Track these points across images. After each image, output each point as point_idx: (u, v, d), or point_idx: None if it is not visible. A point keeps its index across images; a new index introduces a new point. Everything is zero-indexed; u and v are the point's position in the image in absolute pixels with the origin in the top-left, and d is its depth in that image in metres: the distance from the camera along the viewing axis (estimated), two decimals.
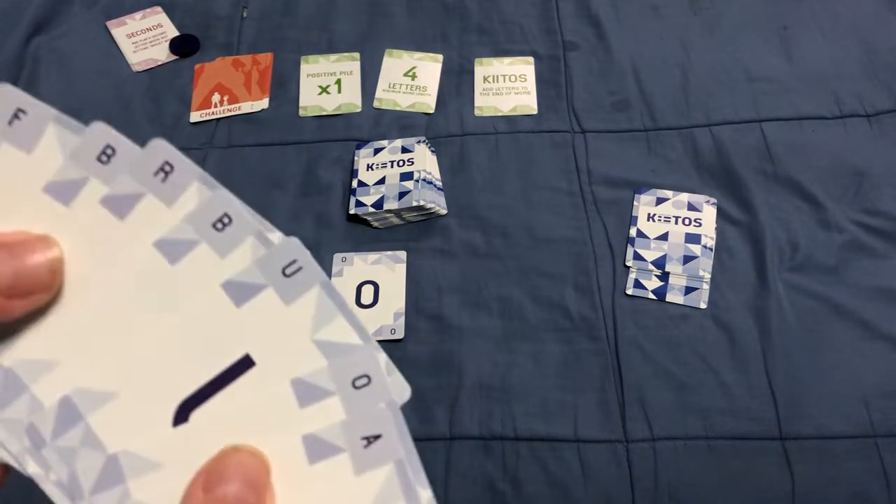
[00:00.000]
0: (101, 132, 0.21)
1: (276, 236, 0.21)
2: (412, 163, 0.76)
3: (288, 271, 0.21)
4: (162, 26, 0.93)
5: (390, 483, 0.20)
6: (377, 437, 0.20)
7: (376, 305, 0.69)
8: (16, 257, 0.19)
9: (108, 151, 0.21)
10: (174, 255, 0.21)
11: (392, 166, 0.76)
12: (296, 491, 0.20)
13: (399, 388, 0.21)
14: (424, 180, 0.74)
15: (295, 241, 0.21)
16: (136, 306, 0.20)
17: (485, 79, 0.86)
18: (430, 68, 0.88)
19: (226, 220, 0.21)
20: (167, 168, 0.21)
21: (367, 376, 0.20)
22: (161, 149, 0.21)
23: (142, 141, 0.21)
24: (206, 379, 0.20)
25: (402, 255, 0.72)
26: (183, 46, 0.90)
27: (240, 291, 0.20)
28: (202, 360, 0.20)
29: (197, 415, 0.20)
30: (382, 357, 0.21)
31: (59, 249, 0.20)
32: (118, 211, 0.21)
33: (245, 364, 0.20)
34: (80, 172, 0.21)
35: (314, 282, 0.21)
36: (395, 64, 0.88)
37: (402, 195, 0.73)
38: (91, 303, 0.20)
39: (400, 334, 0.68)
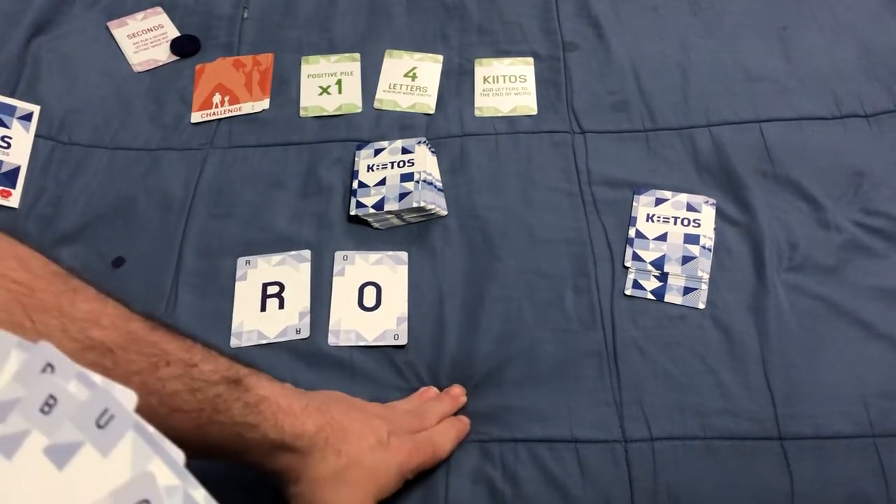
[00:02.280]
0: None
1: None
2: (412, 164, 0.76)
3: (101, 422, 0.21)
4: (163, 27, 0.93)
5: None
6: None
7: (379, 309, 0.69)
8: None
9: None
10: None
11: (392, 167, 0.76)
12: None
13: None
14: (425, 181, 0.74)
15: (107, 390, 0.21)
16: None
17: (485, 79, 0.86)
18: (430, 69, 0.88)
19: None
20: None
21: (146, 501, 0.20)
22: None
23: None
24: None
25: (404, 256, 0.72)
26: (184, 47, 0.90)
27: (60, 453, 0.20)
28: None
29: None
30: (201, 491, 0.21)
31: None
32: None
33: None
34: None
35: (126, 429, 0.21)
36: (395, 64, 0.89)
37: (402, 196, 0.73)
38: None
39: (403, 340, 0.68)
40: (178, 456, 0.22)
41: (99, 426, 0.21)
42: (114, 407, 0.21)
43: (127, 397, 0.22)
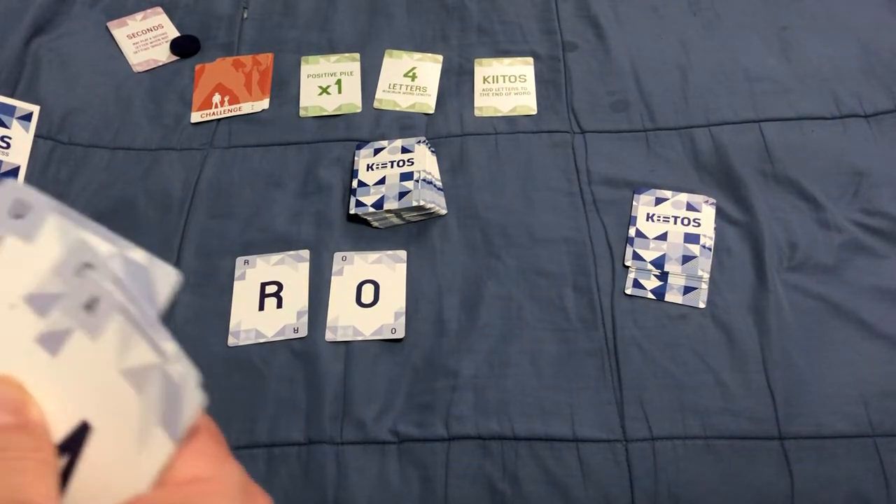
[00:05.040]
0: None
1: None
2: (412, 163, 0.76)
3: (17, 213, 0.21)
4: (162, 27, 0.93)
5: (126, 329, 0.20)
6: (95, 300, 0.20)
7: (377, 305, 0.69)
8: None
9: None
10: None
11: (392, 166, 0.76)
12: (54, 386, 0.21)
13: (166, 275, 0.21)
14: (424, 180, 0.74)
15: (11, 183, 0.21)
16: None
17: (484, 79, 0.86)
18: (430, 69, 0.88)
19: None
20: None
21: (88, 264, 0.21)
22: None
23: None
24: None
25: (403, 254, 0.72)
26: (184, 47, 0.90)
27: None
28: None
29: None
30: (139, 251, 0.21)
31: None
32: None
33: None
34: None
35: (46, 213, 0.21)
36: (395, 64, 0.89)
37: (402, 195, 0.73)
38: None
39: (400, 334, 0.68)
40: (104, 230, 0.22)
41: (17, 216, 0.21)
42: (28, 196, 0.21)
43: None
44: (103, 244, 0.21)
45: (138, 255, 0.21)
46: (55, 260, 0.21)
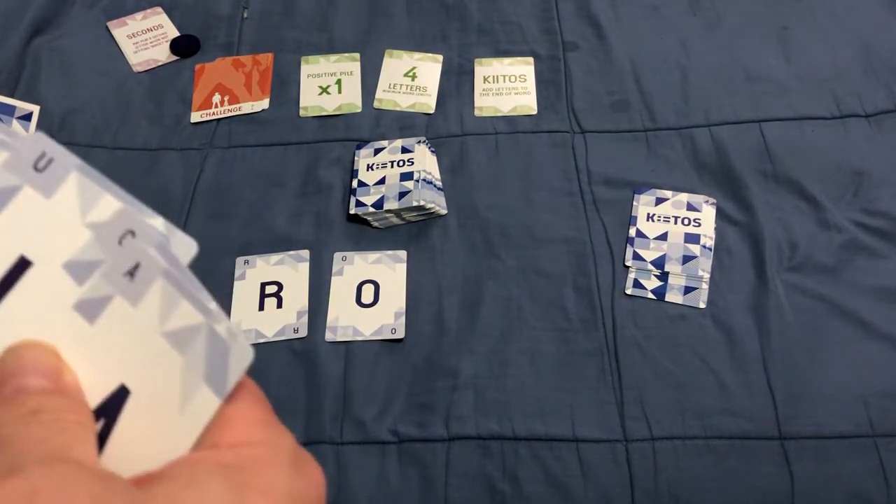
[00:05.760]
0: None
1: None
2: (412, 163, 0.76)
3: (40, 166, 0.21)
4: (162, 27, 0.93)
5: (167, 292, 0.20)
6: (136, 266, 0.20)
7: (377, 305, 0.69)
8: None
9: None
10: None
11: (392, 166, 0.76)
12: (90, 352, 0.20)
13: (184, 245, 0.21)
14: (424, 180, 0.74)
15: (39, 135, 0.21)
16: None
17: (485, 79, 0.86)
18: (430, 68, 0.88)
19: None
20: None
21: (131, 231, 0.21)
22: None
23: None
24: None
25: (403, 254, 0.72)
26: (183, 47, 0.90)
27: None
28: None
29: None
30: (159, 219, 0.21)
31: None
32: None
33: (23, 266, 0.20)
34: None
35: (70, 168, 0.21)
36: (395, 64, 0.88)
37: (402, 195, 0.73)
38: None
39: (400, 334, 0.68)
40: (126, 194, 0.22)
41: (37, 169, 0.21)
42: (54, 151, 0.21)
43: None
44: (116, 203, 0.21)
45: (158, 222, 0.21)
46: (91, 222, 0.21)
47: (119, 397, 0.20)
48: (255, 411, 0.21)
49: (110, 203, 0.21)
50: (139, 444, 0.20)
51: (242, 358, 0.20)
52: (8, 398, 0.19)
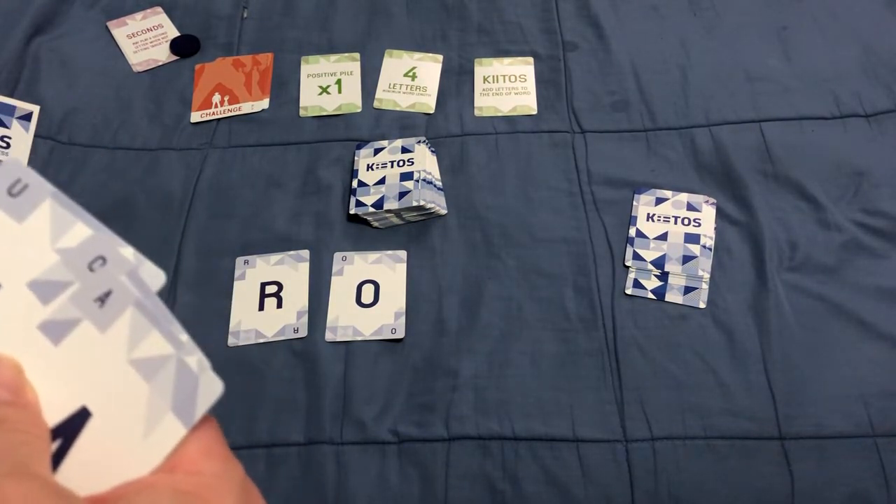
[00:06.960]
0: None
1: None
2: (412, 163, 0.76)
3: (14, 191, 0.22)
4: (162, 26, 0.93)
5: (137, 321, 0.21)
6: (107, 293, 0.21)
7: (377, 305, 0.69)
8: None
9: None
10: None
11: (392, 166, 0.76)
12: (53, 372, 0.21)
13: (152, 275, 0.22)
14: (424, 180, 0.74)
15: (15, 161, 0.22)
16: None
17: (485, 79, 0.86)
18: (430, 68, 0.88)
19: None
20: None
21: (102, 257, 0.21)
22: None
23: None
24: None
25: (403, 254, 0.72)
26: (183, 47, 0.90)
27: None
28: None
29: None
30: (129, 249, 0.22)
31: None
32: None
33: None
34: None
35: (44, 196, 0.22)
36: (395, 64, 0.88)
37: (402, 195, 0.73)
38: None
39: (400, 334, 0.68)
40: (98, 223, 0.22)
41: (11, 194, 0.21)
42: (28, 178, 0.22)
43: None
44: (87, 230, 0.22)
45: (128, 252, 0.22)
46: (60, 248, 0.21)
47: (79, 419, 0.21)
48: (213, 444, 0.21)
49: (82, 230, 0.22)
50: (98, 465, 0.21)
51: (211, 391, 0.21)
52: None
